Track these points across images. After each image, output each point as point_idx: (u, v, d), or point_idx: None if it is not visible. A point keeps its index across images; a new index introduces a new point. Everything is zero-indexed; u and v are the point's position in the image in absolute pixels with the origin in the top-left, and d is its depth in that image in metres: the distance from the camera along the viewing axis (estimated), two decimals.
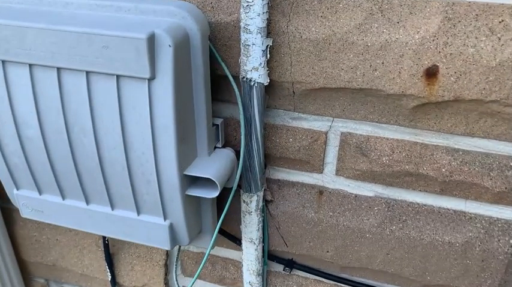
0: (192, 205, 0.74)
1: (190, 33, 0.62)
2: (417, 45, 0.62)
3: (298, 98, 0.73)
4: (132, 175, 0.69)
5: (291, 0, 0.65)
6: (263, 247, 0.87)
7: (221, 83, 0.75)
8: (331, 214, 0.81)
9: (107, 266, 1.04)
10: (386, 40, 0.63)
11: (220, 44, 0.71)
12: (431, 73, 0.63)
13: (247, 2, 0.62)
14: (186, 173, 0.68)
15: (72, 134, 0.69)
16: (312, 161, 0.78)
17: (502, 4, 0.57)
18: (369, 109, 0.70)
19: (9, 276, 1.13)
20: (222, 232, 0.90)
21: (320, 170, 0.79)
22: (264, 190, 0.82)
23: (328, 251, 0.85)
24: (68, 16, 0.64)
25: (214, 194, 0.69)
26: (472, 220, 0.74)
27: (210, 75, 0.69)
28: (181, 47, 0.60)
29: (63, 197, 0.78)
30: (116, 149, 0.67)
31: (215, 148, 0.75)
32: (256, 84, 0.68)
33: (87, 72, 0.63)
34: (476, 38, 0.59)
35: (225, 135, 0.80)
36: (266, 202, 0.84)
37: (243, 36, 0.65)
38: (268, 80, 0.69)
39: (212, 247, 0.77)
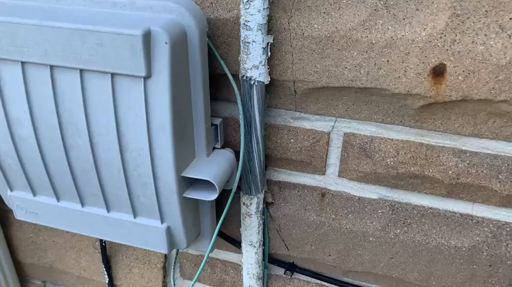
0: (190, 207, 0.71)
1: (188, 30, 0.60)
2: (424, 43, 0.60)
3: (299, 98, 0.70)
4: (127, 176, 0.67)
5: None
6: (263, 250, 0.85)
7: (220, 81, 0.73)
8: (333, 216, 0.79)
9: (104, 269, 1.02)
10: (391, 37, 0.60)
11: (219, 41, 0.68)
12: (438, 72, 0.61)
13: None
14: (183, 175, 0.66)
15: (66, 134, 0.66)
16: (314, 162, 0.76)
17: None
18: (373, 109, 0.68)
19: (4, 277, 1.11)
20: (221, 234, 0.88)
21: (322, 172, 0.77)
22: (265, 191, 0.79)
23: (330, 255, 0.83)
24: (61, 12, 0.61)
25: (213, 196, 0.67)
26: (480, 223, 0.72)
27: (208, 74, 0.67)
28: (179, 44, 0.58)
29: (58, 199, 0.75)
30: (111, 150, 0.65)
31: (214, 148, 0.73)
32: (256, 83, 0.66)
33: (81, 70, 0.61)
34: (485, 35, 0.57)
35: (224, 136, 0.78)
36: (267, 204, 0.82)
37: (243, 33, 0.63)
38: (269, 79, 0.67)
39: (211, 251, 0.74)
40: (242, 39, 0.63)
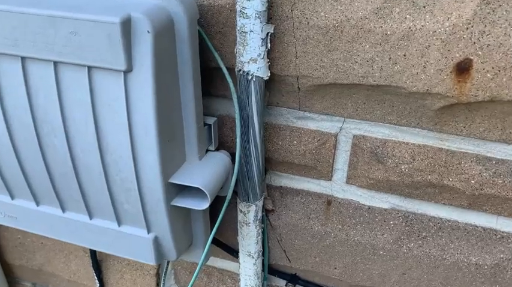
0: (180, 216, 0.64)
1: (175, 17, 0.52)
2: (447, 35, 0.51)
3: (304, 95, 0.63)
4: (109, 181, 0.60)
5: None
6: (263, 260, 0.78)
7: (215, 76, 0.66)
8: (340, 227, 0.71)
9: (95, 274, 0.96)
10: (409, 28, 0.52)
11: (213, 31, 0.61)
12: (463, 68, 0.53)
13: None
14: (171, 181, 0.59)
15: (42, 133, 0.60)
16: (320, 167, 0.68)
17: None
18: (386, 109, 0.60)
19: None
20: (217, 242, 0.81)
21: (328, 178, 0.69)
22: (264, 198, 0.72)
23: (336, 268, 0.75)
24: None
25: (204, 205, 0.60)
26: (505, 239, 0.64)
27: (200, 67, 0.59)
28: (164, 33, 0.51)
29: (37, 203, 0.69)
30: (91, 152, 0.58)
31: (207, 150, 0.65)
32: (254, 79, 0.58)
33: (55, 63, 0.54)
34: None
35: (220, 137, 0.70)
36: (266, 211, 0.75)
37: (239, 21, 0.55)
38: (269, 74, 0.59)
39: (204, 262, 0.67)
40: (238, 28, 0.56)
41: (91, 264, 0.95)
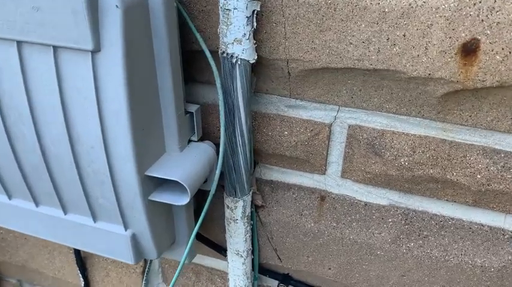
0: (160, 211, 0.59)
1: None
2: (452, 12, 0.46)
3: (295, 81, 0.58)
4: (81, 173, 0.55)
5: None
6: (253, 259, 0.73)
7: (200, 60, 0.60)
8: (334, 224, 0.66)
9: (79, 271, 0.91)
10: (409, 4, 0.47)
11: (196, 9, 0.56)
12: (469, 50, 0.48)
13: None
14: (147, 173, 0.54)
15: (9, 121, 0.55)
16: (312, 159, 0.63)
17: None
18: (384, 96, 0.55)
19: None
20: (205, 240, 0.76)
21: (322, 171, 0.64)
22: (253, 193, 0.67)
23: (330, 269, 0.70)
24: None
25: (184, 201, 0.55)
26: None
27: (184, 50, 0.54)
28: (135, 8, 0.46)
29: (9, 197, 0.64)
30: (61, 142, 0.53)
31: (190, 141, 0.60)
32: (239, 62, 0.53)
33: (18, 42, 0.49)
34: None
35: (206, 126, 0.65)
36: (256, 207, 0.70)
37: None
38: (256, 57, 0.54)
39: (185, 262, 0.63)
40: (221, 5, 0.51)
41: (75, 261, 0.91)
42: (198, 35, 0.54)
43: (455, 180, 0.57)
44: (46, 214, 0.63)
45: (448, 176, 0.57)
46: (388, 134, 0.57)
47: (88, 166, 0.54)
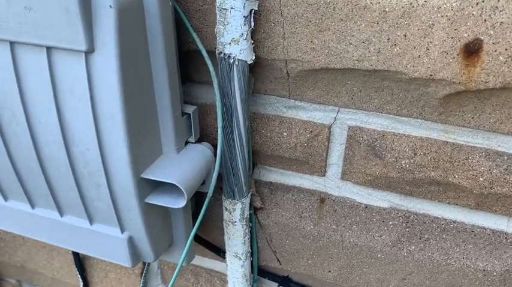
0: (157, 214, 0.59)
1: None
2: (454, 11, 0.45)
3: (293, 82, 0.57)
4: (77, 175, 0.54)
5: None
6: (252, 262, 0.72)
7: (198, 60, 0.60)
8: (334, 227, 0.65)
9: (78, 272, 0.90)
10: (410, 3, 0.46)
11: (192, 8, 0.55)
12: (471, 50, 0.46)
13: None
14: (143, 176, 0.53)
15: (3, 121, 0.54)
16: (312, 161, 0.62)
17: None
18: (385, 98, 0.54)
19: None
20: (203, 242, 0.75)
21: (322, 173, 0.63)
22: (252, 195, 0.66)
23: (330, 271, 0.69)
24: None
25: (180, 203, 0.54)
26: None
27: (181, 50, 0.53)
28: (130, 8, 0.45)
29: (5, 199, 0.64)
30: (56, 143, 0.52)
31: (187, 142, 0.59)
32: (236, 62, 0.52)
33: (11, 43, 0.48)
34: None
35: (204, 127, 0.64)
36: (255, 209, 0.69)
37: None
38: (254, 57, 0.53)
39: (183, 264, 0.62)
40: (218, 4, 0.50)
41: (74, 262, 0.90)
42: (194, 35, 0.53)
43: (457, 183, 0.55)
44: (42, 216, 0.62)
45: (449, 179, 0.56)
46: (389, 136, 0.56)
47: (83, 167, 0.53)
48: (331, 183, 0.63)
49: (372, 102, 0.55)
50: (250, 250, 0.69)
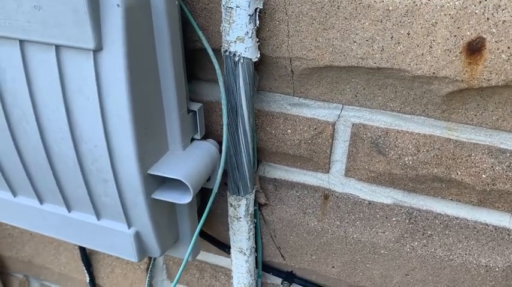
0: (163, 210, 0.60)
1: None
2: (456, 10, 0.45)
3: (298, 79, 0.57)
4: (85, 171, 0.55)
5: None
6: (256, 257, 0.73)
7: (203, 58, 0.60)
8: (338, 223, 0.66)
9: (84, 267, 0.92)
10: (414, 2, 0.46)
11: (198, 7, 0.55)
12: (474, 48, 0.47)
13: None
14: (150, 172, 0.54)
15: (13, 119, 0.55)
16: (316, 158, 0.62)
17: None
18: (388, 95, 0.54)
19: None
20: (209, 238, 0.76)
21: (326, 170, 0.63)
22: (256, 191, 0.67)
23: (334, 267, 0.70)
24: None
25: (186, 199, 0.55)
26: None
27: (187, 49, 0.54)
28: (137, 7, 0.45)
29: (14, 194, 0.65)
30: (64, 140, 0.53)
31: (193, 139, 0.60)
32: (242, 60, 0.53)
33: (21, 41, 0.49)
34: None
35: (209, 124, 0.65)
36: (259, 205, 0.70)
37: None
38: (258, 55, 0.54)
39: (189, 259, 0.63)
40: (223, 3, 0.50)
41: (81, 257, 0.91)
42: (200, 33, 0.54)
43: (460, 179, 0.56)
44: (50, 211, 0.63)
45: (452, 176, 0.56)
46: (392, 133, 0.57)
47: (91, 164, 0.54)
48: (335, 180, 0.64)
49: (375, 100, 0.56)
50: (254, 246, 0.70)
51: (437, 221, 0.61)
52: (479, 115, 0.52)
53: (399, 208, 0.62)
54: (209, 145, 0.60)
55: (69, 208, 0.62)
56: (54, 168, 0.57)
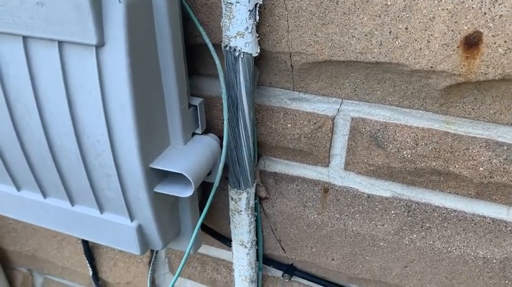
0: (166, 203, 0.60)
1: None
2: (454, 5, 0.46)
3: (298, 74, 0.58)
4: (87, 166, 0.56)
5: None
6: (257, 250, 0.74)
7: (204, 54, 0.61)
8: (337, 216, 0.67)
9: (87, 261, 0.93)
10: None
11: (199, 3, 0.56)
12: (471, 42, 0.47)
13: None
14: (152, 166, 0.55)
15: (16, 114, 0.56)
16: (316, 152, 0.63)
17: None
18: (387, 89, 0.55)
19: None
20: (210, 231, 0.77)
21: (325, 164, 0.64)
22: (257, 185, 0.68)
23: (333, 259, 0.71)
24: None
25: (188, 192, 0.56)
26: None
27: (187, 44, 0.55)
28: (138, 3, 0.46)
29: (18, 189, 0.66)
30: (67, 135, 0.54)
31: (194, 134, 0.61)
32: (242, 55, 0.53)
33: (24, 37, 0.50)
34: None
35: (210, 119, 0.66)
36: (260, 199, 0.70)
37: None
38: (258, 50, 0.54)
39: (191, 252, 0.64)
40: None
41: (84, 251, 0.92)
42: (201, 29, 0.55)
43: (458, 172, 0.57)
44: (54, 205, 0.64)
45: (450, 169, 0.57)
46: (391, 127, 0.58)
47: (94, 158, 0.55)
48: (335, 173, 0.65)
49: (374, 94, 0.56)
50: (255, 239, 0.71)
51: (435, 214, 0.62)
52: (477, 109, 0.53)
53: (398, 201, 0.63)
54: (210, 139, 0.61)
55: (72, 202, 0.62)
56: (57, 162, 0.58)
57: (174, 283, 0.64)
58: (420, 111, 0.55)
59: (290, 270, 0.76)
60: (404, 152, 0.58)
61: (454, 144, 0.56)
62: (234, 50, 0.53)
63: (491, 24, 0.46)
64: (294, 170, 0.67)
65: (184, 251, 0.62)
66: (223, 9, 0.52)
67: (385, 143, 0.59)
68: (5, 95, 0.54)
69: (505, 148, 0.54)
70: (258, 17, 0.52)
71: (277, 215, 0.70)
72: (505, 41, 0.46)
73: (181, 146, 0.58)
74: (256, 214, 0.69)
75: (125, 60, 0.46)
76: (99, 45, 0.46)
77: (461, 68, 0.49)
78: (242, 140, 0.60)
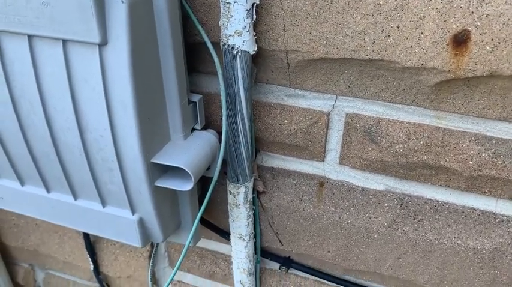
0: (166, 197, 0.62)
1: None
2: (443, 4, 0.48)
3: (294, 71, 0.60)
4: (90, 161, 0.58)
5: None
6: (255, 243, 0.76)
7: (203, 52, 0.63)
8: (333, 209, 0.69)
9: (88, 255, 0.95)
10: None
11: (198, 2, 0.58)
12: (460, 40, 0.49)
13: None
14: (153, 160, 0.56)
15: (21, 111, 0.58)
16: (311, 147, 0.65)
17: None
18: (380, 86, 0.57)
19: None
20: (209, 224, 0.79)
21: (321, 158, 0.66)
22: (255, 179, 0.70)
23: (329, 252, 0.73)
24: None
25: (188, 186, 0.57)
26: (504, 223, 0.61)
27: (187, 42, 0.56)
28: (140, 3, 0.48)
29: (22, 183, 0.67)
30: (70, 130, 0.56)
31: (193, 130, 0.63)
32: (240, 53, 0.55)
33: (29, 36, 0.51)
34: None
35: (209, 115, 0.68)
36: (257, 193, 0.72)
37: None
38: (256, 48, 0.56)
39: (190, 244, 0.66)
40: None
41: (85, 245, 0.94)
42: (200, 28, 0.57)
43: (449, 166, 0.59)
44: (57, 199, 0.66)
45: (441, 162, 0.59)
46: (384, 122, 0.60)
47: (97, 153, 0.57)
48: (330, 167, 0.67)
49: (367, 91, 0.58)
50: (253, 232, 0.73)
51: (427, 206, 0.64)
52: (466, 104, 0.55)
53: (391, 194, 0.65)
54: (209, 135, 0.62)
55: (75, 196, 0.64)
56: (60, 157, 0.60)
57: (174, 276, 0.65)
58: (412, 107, 0.57)
59: (287, 262, 0.78)
60: (397, 147, 0.60)
61: (445, 138, 0.58)
62: (232, 48, 0.55)
63: (478, 23, 0.48)
64: (290, 165, 0.69)
65: (184, 245, 0.64)
66: (222, 8, 0.53)
67: (378, 138, 0.61)
68: (10, 92, 0.56)
69: (494, 142, 0.56)
70: (255, 16, 0.54)
71: (275, 209, 0.72)
72: (492, 39, 0.48)
73: (182, 141, 0.60)
74: (254, 207, 0.71)
75: (127, 58, 0.48)
76: (102, 44, 0.48)
77: (451, 65, 0.51)
78: (240, 135, 0.61)
